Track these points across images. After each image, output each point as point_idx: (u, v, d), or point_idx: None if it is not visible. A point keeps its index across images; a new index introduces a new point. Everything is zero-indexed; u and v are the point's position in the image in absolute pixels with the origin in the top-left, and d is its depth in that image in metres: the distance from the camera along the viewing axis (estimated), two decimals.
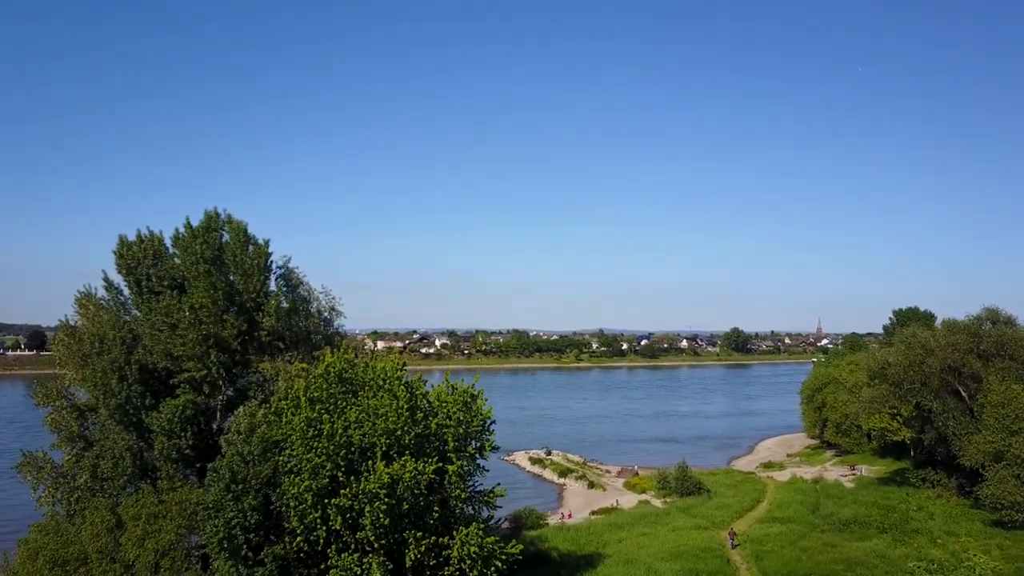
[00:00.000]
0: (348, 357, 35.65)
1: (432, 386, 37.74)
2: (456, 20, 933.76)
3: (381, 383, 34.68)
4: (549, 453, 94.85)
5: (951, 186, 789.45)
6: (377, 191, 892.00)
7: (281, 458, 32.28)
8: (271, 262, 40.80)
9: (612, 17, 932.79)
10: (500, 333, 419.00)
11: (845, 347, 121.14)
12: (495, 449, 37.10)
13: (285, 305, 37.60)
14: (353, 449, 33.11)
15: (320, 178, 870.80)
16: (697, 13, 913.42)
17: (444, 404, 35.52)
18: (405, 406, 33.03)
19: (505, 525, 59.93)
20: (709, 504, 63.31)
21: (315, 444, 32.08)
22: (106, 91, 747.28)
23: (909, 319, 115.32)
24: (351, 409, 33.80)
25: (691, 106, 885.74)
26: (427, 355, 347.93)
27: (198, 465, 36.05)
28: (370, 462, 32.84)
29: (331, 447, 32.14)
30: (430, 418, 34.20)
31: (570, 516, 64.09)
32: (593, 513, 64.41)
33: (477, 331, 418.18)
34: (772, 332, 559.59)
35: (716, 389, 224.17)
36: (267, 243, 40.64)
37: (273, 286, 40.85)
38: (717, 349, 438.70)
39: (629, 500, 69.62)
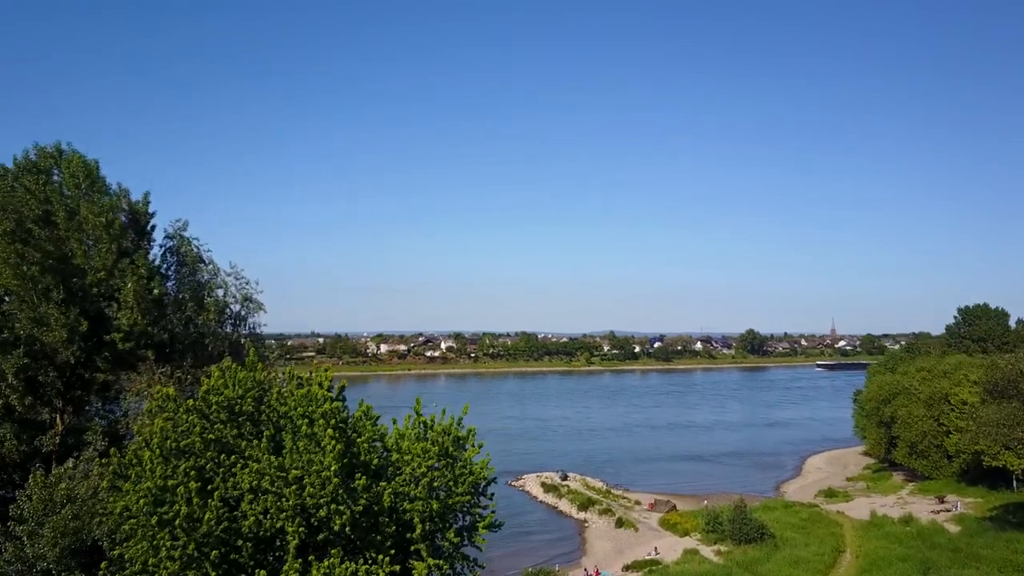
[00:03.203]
0: (249, 375, 21.23)
1: (394, 422, 23.31)
2: (461, 20, 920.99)
3: (300, 421, 20.21)
4: (565, 478, 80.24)
5: (957, 186, 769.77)
6: (383, 193, 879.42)
7: (116, 552, 18.02)
8: (151, 226, 26.67)
9: (619, 17, 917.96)
10: (508, 335, 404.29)
11: (901, 350, 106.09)
12: (495, 528, 22.56)
13: (156, 292, 23.33)
14: (242, 543, 18.75)
15: (325, 180, 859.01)
16: (705, 11, 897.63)
17: (409, 457, 21.12)
18: (335, 466, 18.61)
19: None
20: (777, 557, 48.69)
21: (164, 541, 17.74)
22: (104, 90, 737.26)
23: (978, 317, 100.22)
24: (243, 470, 19.46)
25: (696, 106, 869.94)
26: (432, 358, 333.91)
27: None
28: (267, 570, 18.58)
29: (194, 543, 17.77)
30: (380, 484, 19.81)
31: (596, 574, 49.54)
32: (627, 568, 49.86)
33: (484, 333, 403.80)
34: (786, 333, 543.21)
35: (736, 396, 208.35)
36: (146, 197, 26.56)
37: (163, 266, 26.84)
38: (732, 351, 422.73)
39: (670, 546, 54.98)
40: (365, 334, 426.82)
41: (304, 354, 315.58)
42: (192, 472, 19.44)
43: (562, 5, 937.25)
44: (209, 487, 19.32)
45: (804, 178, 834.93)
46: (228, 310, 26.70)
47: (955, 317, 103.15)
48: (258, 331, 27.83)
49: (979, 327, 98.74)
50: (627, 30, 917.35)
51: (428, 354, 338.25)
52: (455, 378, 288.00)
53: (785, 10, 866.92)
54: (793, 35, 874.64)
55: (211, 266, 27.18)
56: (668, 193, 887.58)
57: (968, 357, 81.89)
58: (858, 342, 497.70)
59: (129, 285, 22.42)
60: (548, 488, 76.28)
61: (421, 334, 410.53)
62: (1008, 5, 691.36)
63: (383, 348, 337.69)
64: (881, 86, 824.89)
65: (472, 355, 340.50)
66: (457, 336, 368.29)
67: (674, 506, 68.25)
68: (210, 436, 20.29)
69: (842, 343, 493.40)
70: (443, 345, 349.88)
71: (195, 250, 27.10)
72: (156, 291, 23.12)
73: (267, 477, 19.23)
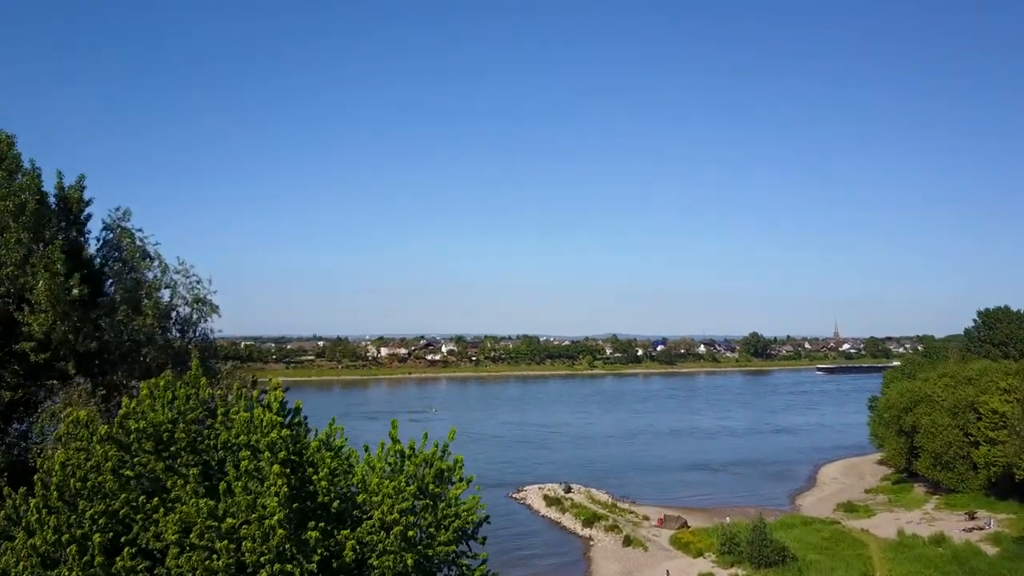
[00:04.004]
0: (190, 392, 17.23)
1: (366, 450, 19.20)
2: (464, 21, 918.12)
3: (242, 453, 16.15)
4: (569, 490, 76.11)
5: (960, 188, 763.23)
6: (385, 195, 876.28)
7: None
8: (86, 215, 22.73)
9: (621, 19, 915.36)
10: (510, 339, 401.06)
11: (918, 354, 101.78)
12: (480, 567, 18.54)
13: (76, 292, 19.30)
14: None
15: (325, 183, 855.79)
16: (707, 14, 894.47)
17: (379, 497, 17.06)
18: (280, 513, 14.59)
19: None
20: None
21: None
22: (104, 91, 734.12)
23: (999, 320, 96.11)
24: (166, 516, 15.45)
25: (697, 107, 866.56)
26: (433, 362, 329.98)
27: None
28: None
29: None
30: (341, 533, 15.77)
31: None
32: None
33: (486, 336, 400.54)
34: (788, 336, 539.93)
35: (741, 400, 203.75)
36: (80, 181, 22.63)
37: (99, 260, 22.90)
38: (736, 355, 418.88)
39: (682, 569, 50.95)
40: (367, 336, 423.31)
41: (303, 358, 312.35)
42: (101, 520, 15.36)
43: (565, 7, 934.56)
44: (123, 539, 15.25)
45: (805, 178, 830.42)
46: (174, 313, 22.71)
47: (974, 320, 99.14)
48: (211, 338, 23.77)
49: (1000, 331, 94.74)
50: (629, 32, 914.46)
51: (429, 358, 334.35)
52: (456, 382, 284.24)
53: (786, 11, 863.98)
54: (795, 36, 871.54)
55: (157, 262, 23.22)
56: (670, 194, 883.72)
57: (993, 363, 77.96)
58: (862, 345, 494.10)
59: (40, 284, 18.44)
60: (551, 502, 72.17)
61: (423, 337, 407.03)
62: (1009, 5, 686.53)
63: (383, 352, 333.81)
64: (882, 85, 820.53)
65: (473, 359, 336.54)
66: (458, 339, 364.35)
67: (685, 522, 64.15)
68: (127, 473, 16.20)
69: (846, 346, 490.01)
70: (444, 348, 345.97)
71: (138, 243, 23.15)
72: (76, 291, 19.11)
73: (196, 527, 15.09)
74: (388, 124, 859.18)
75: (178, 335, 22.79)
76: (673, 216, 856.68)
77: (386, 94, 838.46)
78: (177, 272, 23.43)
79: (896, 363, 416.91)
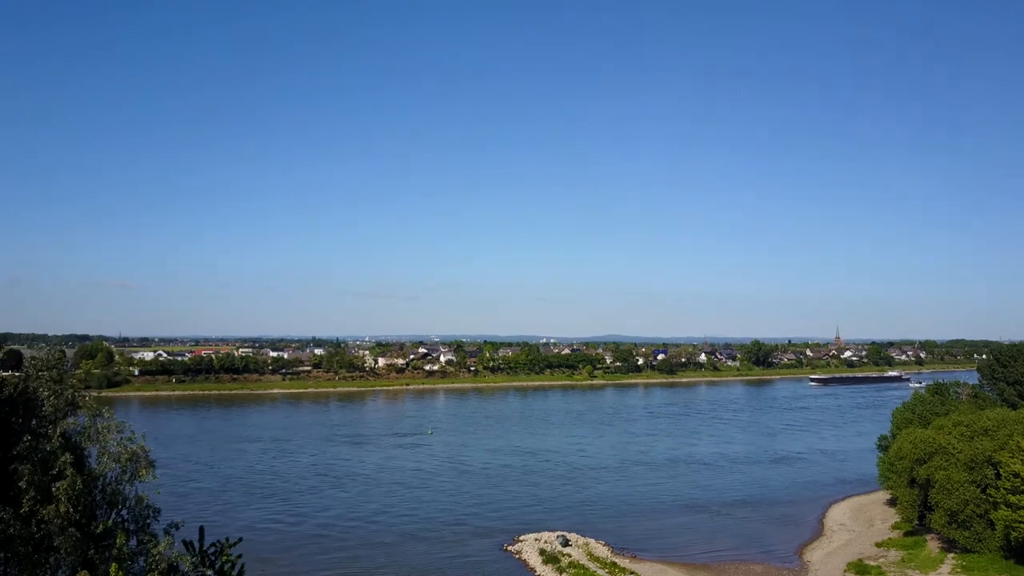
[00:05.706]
0: None
1: None
2: (463, 23, 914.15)
3: None
4: (566, 543, 72.66)
5: (963, 189, 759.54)
6: (386, 198, 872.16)
7: None
8: None
9: (626, 19, 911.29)
10: (509, 344, 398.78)
11: (930, 391, 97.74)
12: None
13: None
14: None
15: (325, 185, 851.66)
16: (713, 14, 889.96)
17: None
18: None
19: None
20: None
21: None
22: (106, 92, 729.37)
23: (1013, 359, 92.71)
24: None
25: (698, 111, 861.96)
26: (431, 372, 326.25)
27: None
28: None
29: None
30: None
31: None
32: None
33: (485, 343, 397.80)
34: (789, 341, 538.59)
35: (739, 420, 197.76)
36: None
37: None
38: (737, 363, 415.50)
39: None
40: (366, 337, 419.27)
41: (300, 369, 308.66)
42: None
43: (579, 7, 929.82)
44: None
45: (807, 179, 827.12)
46: (98, 484, 19.36)
47: (986, 356, 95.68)
48: (146, 504, 20.35)
49: (1014, 369, 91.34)
50: (633, 33, 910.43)
51: (427, 368, 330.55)
52: (454, 394, 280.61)
53: (790, 12, 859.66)
54: (798, 37, 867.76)
55: (82, 411, 19.91)
56: (671, 197, 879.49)
57: (1011, 411, 74.60)
58: (864, 352, 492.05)
59: None
60: (548, 558, 68.58)
61: (421, 342, 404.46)
62: (1010, 5, 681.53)
63: (381, 362, 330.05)
64: (884, 88, 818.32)
65: (472, 368, 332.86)
66: (457, 348, 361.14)
67: None
68: None
69: (848, 353, 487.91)
70: (442, 358, 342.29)
71: (58, 389, 19.83)
72: None
73: None
74: (388, 128, 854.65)
75: (104, 507, 19.45)
76: (674, 218, 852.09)
77: (385, 98, 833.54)
78: (106, 426, 20.20)
79: (895, 372, 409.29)
